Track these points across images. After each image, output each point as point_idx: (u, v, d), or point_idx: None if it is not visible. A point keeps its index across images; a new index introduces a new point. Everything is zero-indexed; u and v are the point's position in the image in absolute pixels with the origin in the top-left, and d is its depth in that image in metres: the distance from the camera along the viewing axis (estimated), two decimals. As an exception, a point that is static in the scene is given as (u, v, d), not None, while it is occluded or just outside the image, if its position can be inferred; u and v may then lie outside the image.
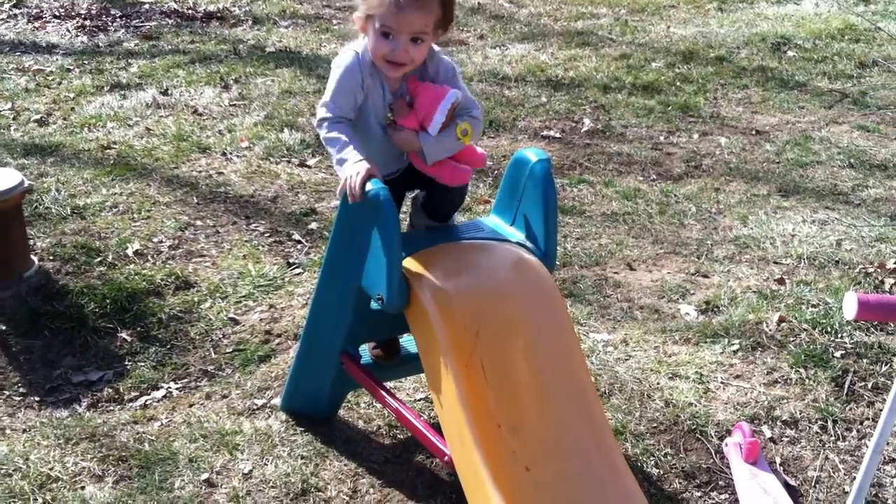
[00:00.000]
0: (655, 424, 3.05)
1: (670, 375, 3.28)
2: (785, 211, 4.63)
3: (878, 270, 4.00)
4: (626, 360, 3.39)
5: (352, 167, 2.47)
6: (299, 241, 4.20)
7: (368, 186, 2.46)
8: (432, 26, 2.53)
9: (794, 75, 6.66)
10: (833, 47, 7.22)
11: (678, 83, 6.40)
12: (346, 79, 2.57)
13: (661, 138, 5.53)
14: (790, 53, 7.10)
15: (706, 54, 7.01)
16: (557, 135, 5.53)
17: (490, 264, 2.64)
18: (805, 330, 3.52)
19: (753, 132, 5.66)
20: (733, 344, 3.46)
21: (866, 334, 3.50)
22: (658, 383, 3.24)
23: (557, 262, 3.93)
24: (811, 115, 5.96)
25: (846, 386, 3.25)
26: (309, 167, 4.96)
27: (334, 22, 7.72)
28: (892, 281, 3.92)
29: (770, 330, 3.52)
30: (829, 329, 3.51)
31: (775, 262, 4.11)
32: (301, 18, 7.78)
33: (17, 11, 7.67)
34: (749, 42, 7.33)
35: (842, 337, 3.47)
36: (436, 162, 2.61)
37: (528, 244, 2.67)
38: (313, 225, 4.33)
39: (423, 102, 2.59)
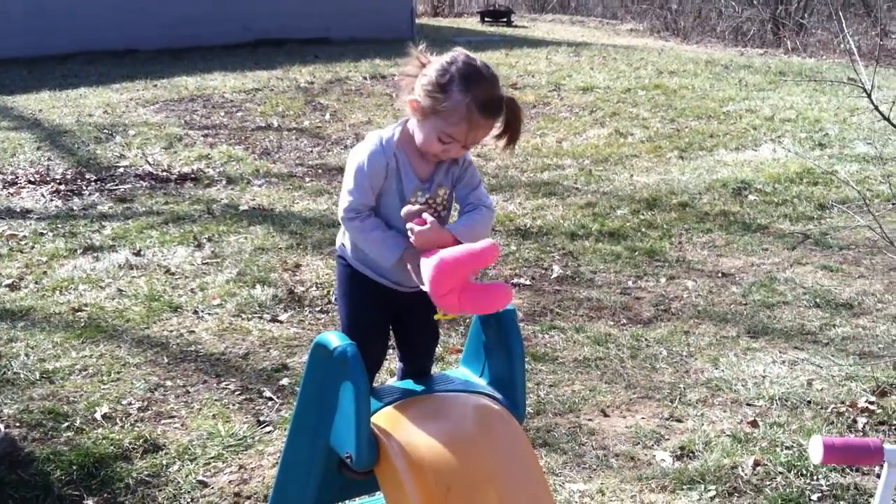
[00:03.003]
0: (635, 577, 2.98)
1: (648, 525, 3.23)
2: (755, 352, 4.66)
3: (850, 409, 4.00)
4: (603, 510, 3.34)
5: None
6: (270, 398, 4.16)
7: (336, 342, 2.47)
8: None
9: (756, 218, 6.84)
10: (792, 190, 7.44)
11: (643, 229, 6.55)
12: (372, 163, 2.56)
13: (630, 283, 5.61)
14: (751, 197, 7.31)
15: (669, 200, 7.20)
16: (528, 282, 5.59)
17: (459, 417, 2.63)
18: (781, 473, 3.50)
19: (719, 275, 5.76)
20: (710, 490, 3.42)
21: (842, 475, 3.48)
22: (636, 534, 3.18)
23: (530, 410, 3.92)
24: (775, 256, 6.09)
25: (826, 529, 3.21)
26: (281, 322, 4.98)
27: (307, 180, 7.88)
28: (864, 420, 3.92)
29: (746, 474, 3.50)
30: (804, 472, 3.49)
31: (748, 404, 4.11)
32: (274, 177, 7.94)
33: (-8, 178, 7.78)
34: (710, 188, 7.54)
35: (818, 479, 3.45)
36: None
37: (497, 395, 2.67)
38: (284, 381, 4.31)
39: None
